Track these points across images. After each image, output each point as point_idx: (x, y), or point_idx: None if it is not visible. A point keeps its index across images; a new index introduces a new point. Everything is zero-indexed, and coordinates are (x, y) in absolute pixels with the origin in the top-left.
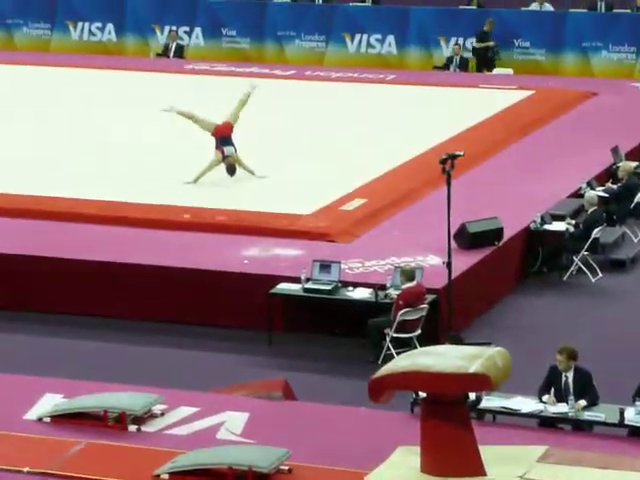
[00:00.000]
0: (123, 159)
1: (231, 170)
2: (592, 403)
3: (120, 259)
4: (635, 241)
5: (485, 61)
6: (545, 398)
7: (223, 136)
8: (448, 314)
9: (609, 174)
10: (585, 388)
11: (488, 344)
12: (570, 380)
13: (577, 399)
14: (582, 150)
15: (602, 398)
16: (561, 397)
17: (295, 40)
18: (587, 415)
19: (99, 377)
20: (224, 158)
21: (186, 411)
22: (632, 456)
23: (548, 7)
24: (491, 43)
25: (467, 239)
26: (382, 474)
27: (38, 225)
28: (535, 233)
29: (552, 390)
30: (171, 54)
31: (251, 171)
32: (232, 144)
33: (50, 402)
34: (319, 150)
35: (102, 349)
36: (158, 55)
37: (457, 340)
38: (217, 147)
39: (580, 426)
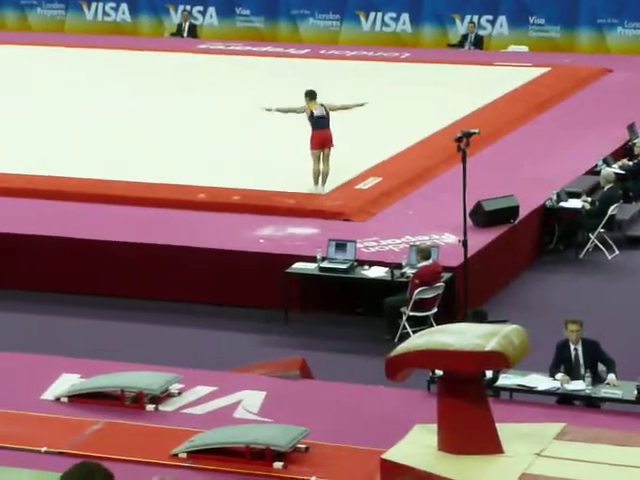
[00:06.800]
0: (137, 140)
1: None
2: (612, 369)
3: (136, 239)
4: None
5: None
6: (558, 377)
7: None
8: (464, 292)
9: (625, 151)
10: (596, 357)
11: (504, 322)
12: (580, 352)
13: (589, 370)
14: (598, 127)
15: (619, 375)
16: (572, 371)
17: (309, 19)
18: (604, 392)
19: (116, 357)
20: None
21: (203, 390)
22: None
23: None
24: None
25: (483, 217)
26: (399, 452)
27: (56, 205)
28: (551, 211)
29: (562, 367)
30: (185, 34)
31: (353, 105)
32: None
33: (67, 382)
34: (334, 129)
35: (119, 329)
36: (172, 35)
37: (481, 315)
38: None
39: (596, 403)
